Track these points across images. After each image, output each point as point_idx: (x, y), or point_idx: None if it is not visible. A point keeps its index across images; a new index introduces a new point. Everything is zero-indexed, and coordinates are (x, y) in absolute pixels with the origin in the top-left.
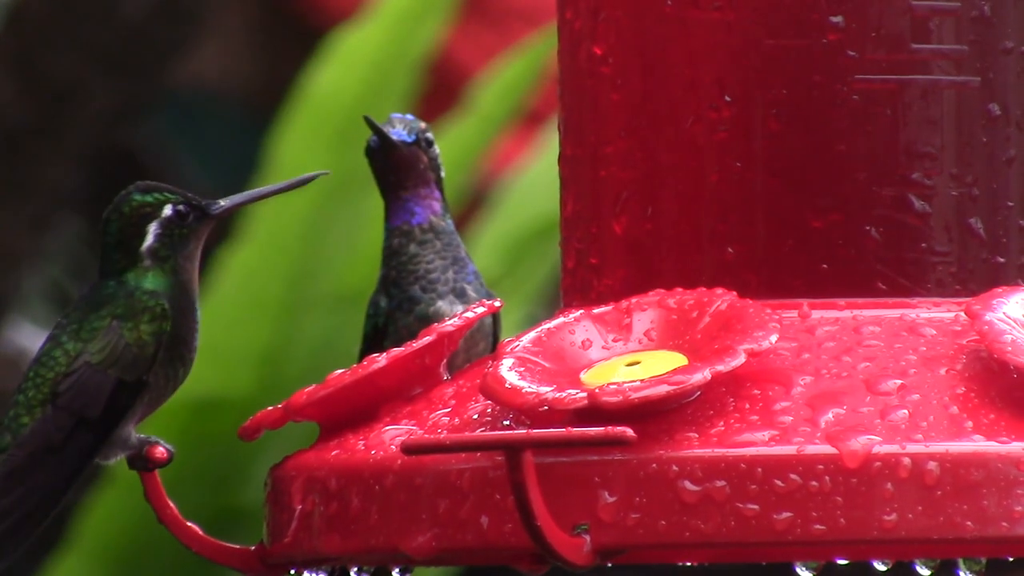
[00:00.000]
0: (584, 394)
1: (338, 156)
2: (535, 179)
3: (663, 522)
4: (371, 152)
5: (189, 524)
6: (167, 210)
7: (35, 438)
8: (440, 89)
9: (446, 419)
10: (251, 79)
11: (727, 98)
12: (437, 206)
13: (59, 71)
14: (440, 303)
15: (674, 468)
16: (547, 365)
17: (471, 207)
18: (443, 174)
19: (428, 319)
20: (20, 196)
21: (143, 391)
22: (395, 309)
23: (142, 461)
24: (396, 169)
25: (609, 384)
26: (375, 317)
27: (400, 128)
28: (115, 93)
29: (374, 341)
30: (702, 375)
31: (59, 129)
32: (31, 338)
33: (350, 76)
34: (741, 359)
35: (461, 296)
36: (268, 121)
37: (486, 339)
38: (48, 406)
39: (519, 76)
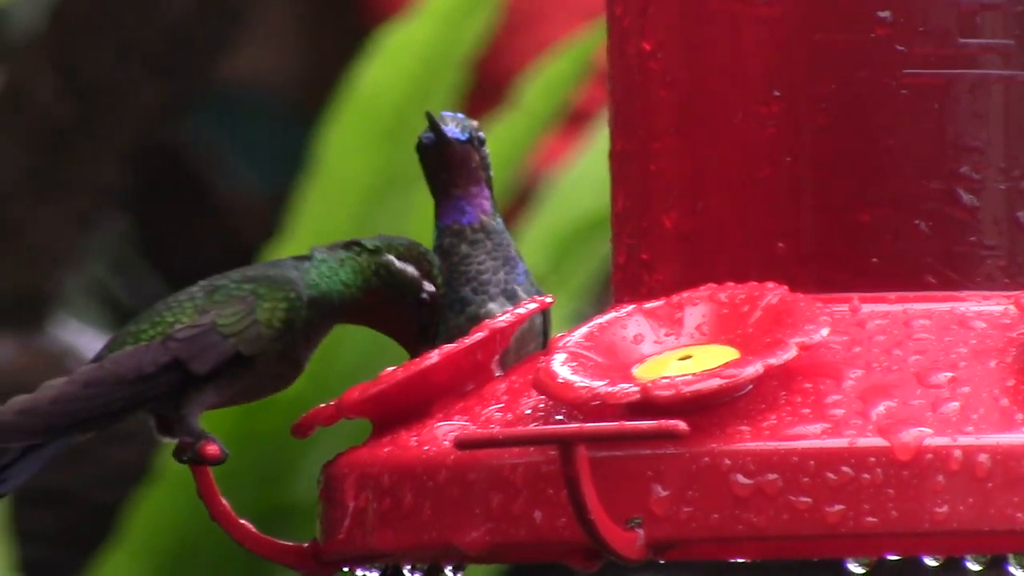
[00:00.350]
0: (636, 388)
1: (385, 153)
2: (581, 175)
3: (716, 515)
4: (423, 149)
5: (242, 521)
6: (421, 290)
7: (130, 359)
8: (487, 86)
9: (499, 414)
10: (297, 76)
11: (775, 93)
12: (487, 205)
13: (102, 69)
14: (491, 304)
15: (726, 462)
16: (599, 360)
17: (517, 203)
18: (492, 173)
19: (478, 320)
20: (63, 194)
21: (249, 373)
22: (446, 308)
23: (192, 455)
24: (448, 167)
25: (661, 378)
26: None
27: (453, 126)
28: (158, 91)
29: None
30: (754, 369)
31: (102, 127)
32: (76, 335)
33: (397, 73)
34: (793, 352)
35: (512, 298)
36: (315, 118)
37: (536, 336)
38: (156, 341)
39: (565, 72)
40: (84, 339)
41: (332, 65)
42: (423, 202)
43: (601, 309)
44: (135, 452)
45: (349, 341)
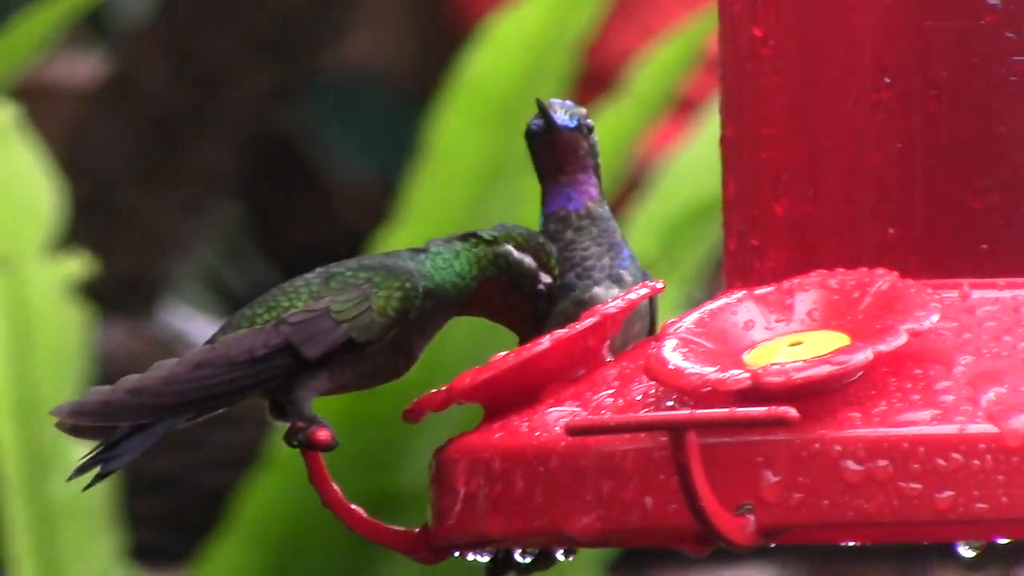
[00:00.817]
0: (747, 375)
1: (495, 140)
2: (691, 161)
3: (826, 502)
4: (532, 135)
5: (353, 507)
6: (538, 280)
7: (242, 341)
8: (596, 72)
9: (609, 400)
10: (408, 62)
11: (886, 79)
12: (594, 192)
13: (211, 56)
14: (596, 289)
15: (837, 448)
16: (710, 346)
17: (627, 190)
18: (600, 160)
19: (584, 304)
20: (172, 181)
21: (361, 361)
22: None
23: (303, 440)
24: (557, 154)
25: (772, 364)
26: None
27: (562, 113)
28: (268, 77)
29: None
30: (864, 355)
31: (212, 114)
32: (186, 321)
33: (506, 59)
34: (903, 339)
35: (617, 281)
36: (425, 105)
37: (643, 321)
38: (270, 324)
39: (675, 59)
40: (194, 325)
41: (442, 51)
42: (533, 188)
43: (712, 295)
44: (246, 436)
45: (461, 326)
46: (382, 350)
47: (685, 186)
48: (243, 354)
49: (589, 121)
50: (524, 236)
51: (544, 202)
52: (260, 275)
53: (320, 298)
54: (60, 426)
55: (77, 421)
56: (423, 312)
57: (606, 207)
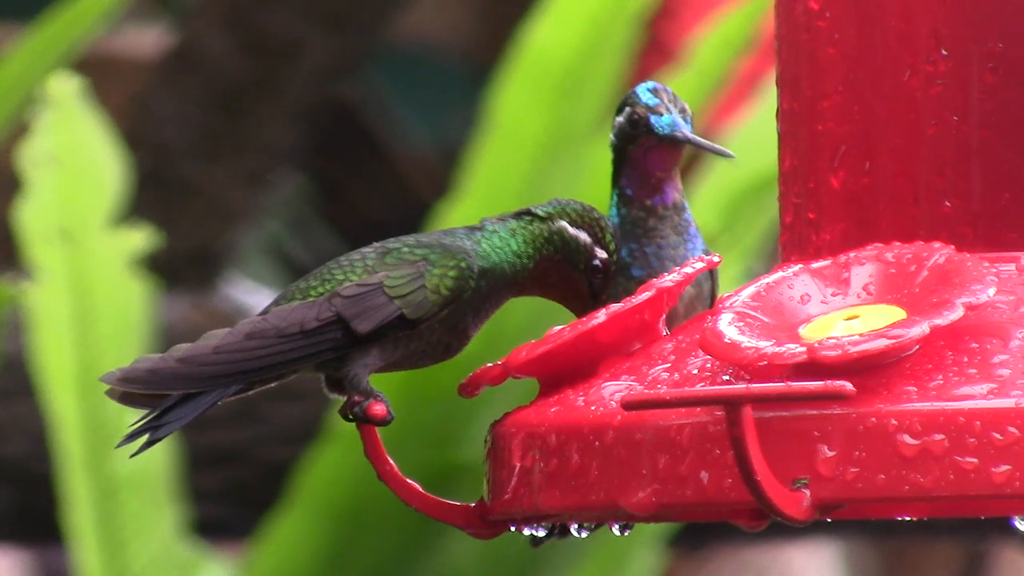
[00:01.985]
0: (803, 349)
1: (557, 111)
2: (752, 134)
3: (882, 476)
4: (644, 129)
5: (409, 481)
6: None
7: (294, 314)
8: (658, 44)
9: (665, 374)
10: (470, 33)
11: (943, 51)
12: (680, 184)
13: (275, 26)
14: (668, 277)
15: (893, 422)
16: (766, 320)
17: (688, 163)
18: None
19: (642, 281)
20: (236, 152)
21: (413, 339)
22: (619, 274)
23: (359, 413)
24: (666, 156)
25: (828, 338)
26: None
27: (677, 115)
28: (332, 48)
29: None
30: (920, 329)
31: (275, 85)
32: (249, 294)
33: (569, 30)
34: (959, 312)
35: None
36: (488, 76)
37: (702, 295)
38: (323, 297)
39: (736, 31)
40: (257, 298)
41: (506, 21)
42: (595, 159)
43: (770, 268)
44: (308, 410)
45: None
46: (434, 328)
47: (746, 159)
48: (294, 326)
49: (690, 112)
50: (579, 211)
51: (628, 186)
52: (324, 247)
53: (375, 273)
54: (110, 394)
55: (126, 388)
56: (478, 292)
57: (684, 199)
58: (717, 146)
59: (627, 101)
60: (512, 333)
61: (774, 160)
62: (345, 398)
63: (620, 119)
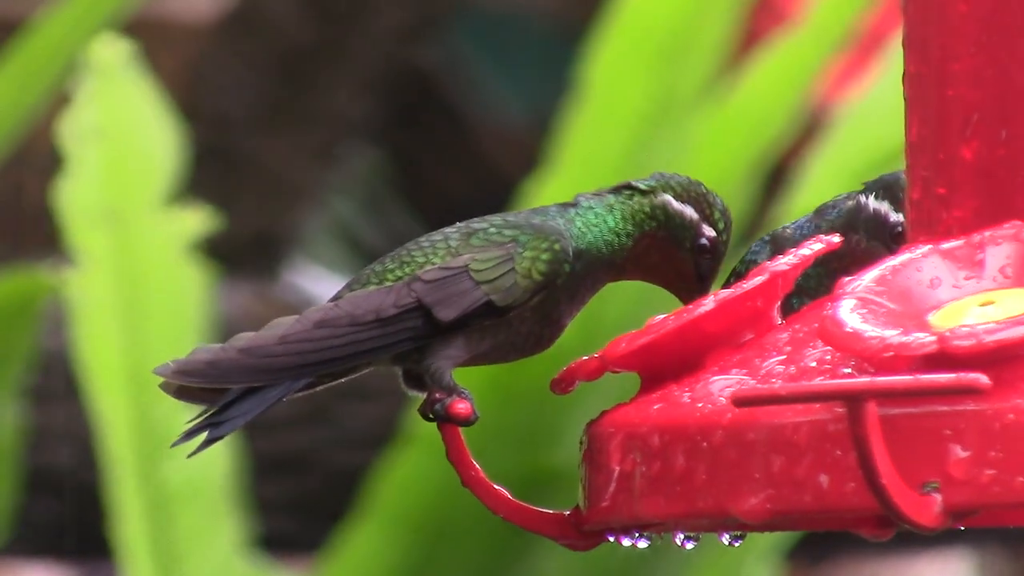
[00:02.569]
0: (933, 338)
1: (659, 77)
2: (877, 102)
3: (1021, 479)
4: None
5: (496, 487)
6: (701, 233)
7: (369, 300)
8: (769, 3)
9: (780, 368)
10: None
11: None
12: None
13: None
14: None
15: None
16: (892, 306)
17: (805, 135)
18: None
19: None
20: (301, 125)
21: (502, 329)
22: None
23: (440, 412)
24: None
25: (961, 327)
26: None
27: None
28: (407, 9)
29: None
30: None
31: (344, 50)
32: (317, 282)
33: None
34: None
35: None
36: (581, 39)
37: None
38: (401, 282)
39: None
40: (325, 286)
41: None
42: (701, 131)
43: (899, 249)
44: (383, 411)
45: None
46: (525, 317)
47: (869, 131)
48: (370, 314)
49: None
50: (684, 185)
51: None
52: (400, 230)
53: (459, 255)
54: (165, 387)
55: (182, 381)
56: (573, 276)
57: None
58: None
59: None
60: (610, 323)
61: (898, 131)
62: (425, 395)
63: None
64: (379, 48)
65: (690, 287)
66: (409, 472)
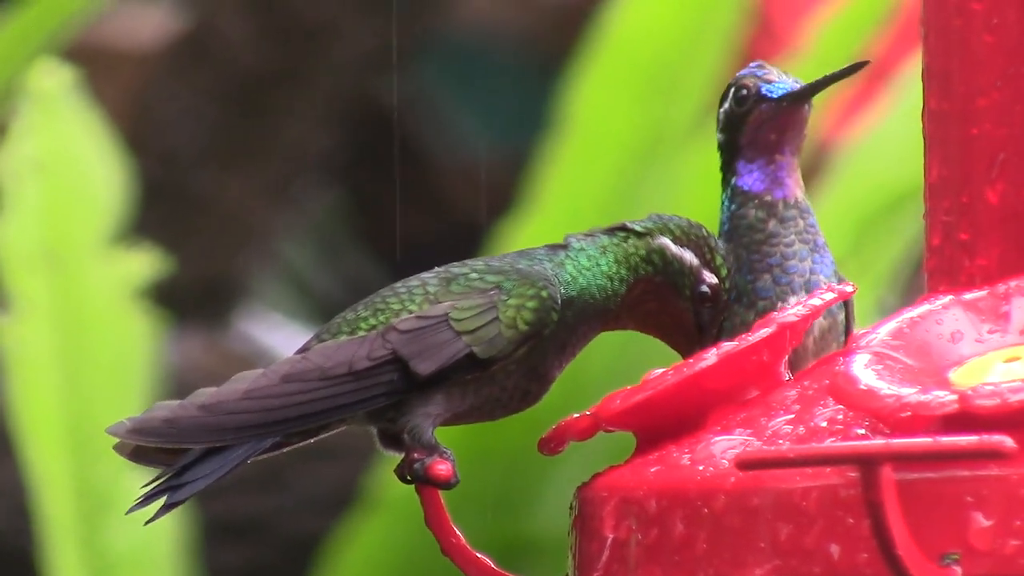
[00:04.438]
0: (954, 397)
1: (647, 109)
2: (884, 140)
3: None
4: (755, 101)
5: (479, 555)
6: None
7: (340, 352)
8: (769, 30)
9: (788, 427)
10: (536, 19)
11: None
12: (800, 180)
13: (305, 8)
14: (791, 299)
15: None
16: (909, 362)
17: (808, 174)
18: None
19: (764, 308)
20: (255, 158)
21: (484, 383)
22: (734, 301)
23: (421, 472)
24: (786, 127)
25: (983, 385)
26: None
27: (791, 81)
28: (372, 35)
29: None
30: None
31: (304, 77)
32: (271, 332)
33: (662, 14)
34: None
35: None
36: (560, 69)
37: (836, 327)
38: (375, 332)
39: (862, 15)
40: (281, 336)
41: (582, 5)
42: (695, 167)
43: (908, 299)
44: (344, 472)
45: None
46: (510, 371)
47: (877, 171)
48: (341, 367)
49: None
50: (683, 228)
51: (741, 179)
52: (360, 276)
53: (438, 303)
54: (119, 449)
55: (139, 441)
56: (562, 325)
57: (807, 199)
58: (849, 66)
59: (728, 85)
60: (597, 378)
61: (910, 171)
62: (402, 455)
63: (725, 106)
64: (341, 78)
65: (689, 338)
66: (374, 539)
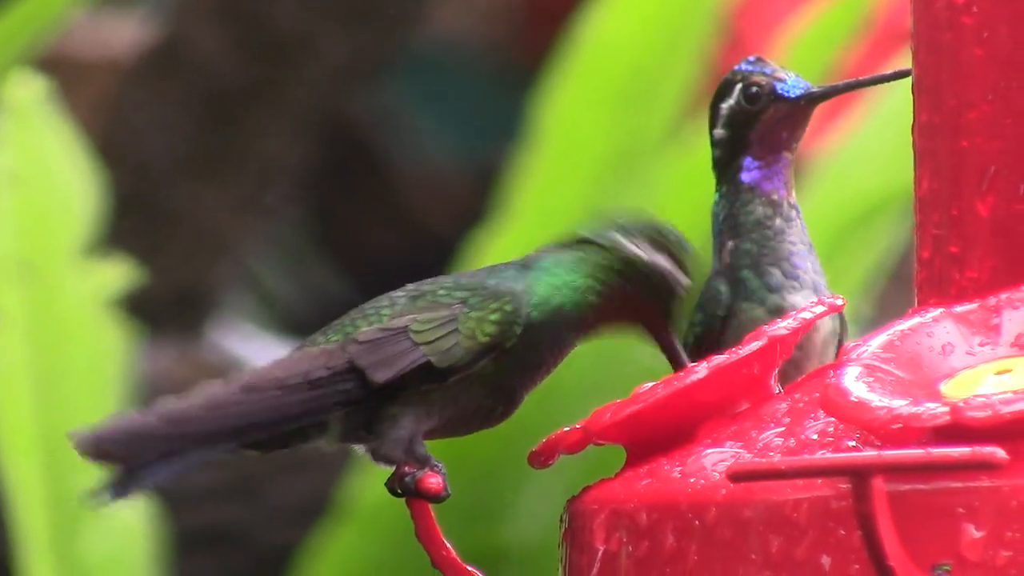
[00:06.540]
0: (945, 408)
1: (620, 121)
2: (859, 150)
3: None
4: (770, 99)
5: (470, 569)
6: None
7: (299, 363)
8: (743, 40)
9: (779, 440)
10: (508, 32)
11: None
12: (791, 182)
13: (280, 20)
14: (796, 296)
15: None
16: (900, 374)
17: None
18: None
19: (782, 312)
20: (226, 172)
21: (446, 396)
22: (742, 299)
23: (411, 486)
24: (796, 127)
25: (975, 396)
26: (712, 311)
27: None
28: (346, 49)
29: (706, 345)
30: None
31: (277, 90)
32: (244, 343)
33: (636, 24)
34: None
35: (817, 293)
36: (532, 81)
37: (829, 344)
38: (336, 343)
39: (835, 27)
40: (254, 347)
41: (554, 15)
42: (669, 177)
43: (882, 309)
44: (317, 483)
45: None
46: (472, 386)
47: (852, 181)
48: (299, 376)
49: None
50: (653, 232)
51: (747, 175)
52: (329, 289)
53: (401, 317)
54: (81, 451)
55: (99, 450)
56: (530, 342)
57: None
58: (887, 74)
59: (732, 81)
60: (569, 389)
61: (885, 181)
62: (394, 468)
63: (730, 103)
64: (315, 91)
65: (668, 338)
66: (346, 550)
